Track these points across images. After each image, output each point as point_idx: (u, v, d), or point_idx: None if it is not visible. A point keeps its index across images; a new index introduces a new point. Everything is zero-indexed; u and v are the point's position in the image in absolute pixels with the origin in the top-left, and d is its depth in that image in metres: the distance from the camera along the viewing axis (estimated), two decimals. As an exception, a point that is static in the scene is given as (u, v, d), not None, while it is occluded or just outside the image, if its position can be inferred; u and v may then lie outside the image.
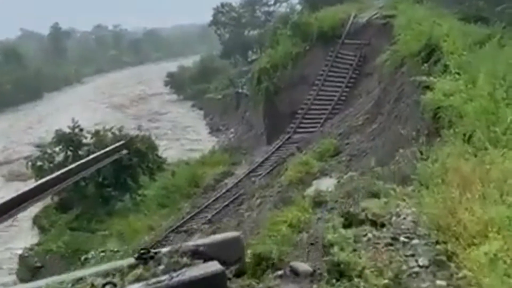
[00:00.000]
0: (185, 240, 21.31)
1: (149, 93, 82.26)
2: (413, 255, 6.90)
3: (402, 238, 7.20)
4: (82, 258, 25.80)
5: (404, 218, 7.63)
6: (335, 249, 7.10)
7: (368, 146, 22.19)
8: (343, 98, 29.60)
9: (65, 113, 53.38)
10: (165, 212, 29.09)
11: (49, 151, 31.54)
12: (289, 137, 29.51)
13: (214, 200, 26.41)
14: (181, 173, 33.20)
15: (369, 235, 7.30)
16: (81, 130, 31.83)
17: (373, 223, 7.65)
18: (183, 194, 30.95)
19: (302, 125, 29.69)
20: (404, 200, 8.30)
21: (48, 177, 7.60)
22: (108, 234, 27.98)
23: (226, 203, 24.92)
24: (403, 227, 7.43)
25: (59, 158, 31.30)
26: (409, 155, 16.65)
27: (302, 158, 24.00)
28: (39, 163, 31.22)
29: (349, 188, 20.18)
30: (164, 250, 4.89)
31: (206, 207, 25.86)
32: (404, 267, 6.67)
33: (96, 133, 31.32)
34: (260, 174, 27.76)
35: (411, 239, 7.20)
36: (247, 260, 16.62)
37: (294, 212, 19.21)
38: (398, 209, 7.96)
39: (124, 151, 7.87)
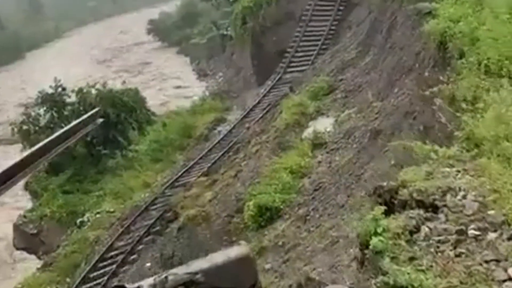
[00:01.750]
0: (183, 193, 20.49)
1: (132, 42, 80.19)
2: (497, 261, 4.74)
3: (471, 231, 5.04)
4: (78, 221, 25.10)
5: (464, 197, 5.39)
6: (386, 259, 4.87)
7: (364, 80, 21.12)
8: (332, 32, 28.35)
9: (48, 71, 51.78)
10: (159, 167, 28.20)
11: (33, 113, 30.35)
12: (280, 78, 28.38)
13: (208, 151, 25.48)
14: (172, 124, 32.14)
15: (425, 228, 5.07)
16: (64, 89, 30.59)
17: (421, 205, 5.40)
18: (176, 146, 30.01)
19: (292, 64, 28.52)
20: (451, 166, 5.98)
21: (24, 155, 6.81)
22: (102, 194, 27.15)
23: (221, 152, 24.00)
24: (465, 211, 5.22)
25: (45, 120, 30.17)
26: (410, 86, 15.71)
27: (295, 99, 23.00)
28: (24, 127, 30.10)
29: (348, 126, 19.33)
30: (146, 283, 3.41)
31: (201, 158, 24.94)
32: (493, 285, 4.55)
33: (80, 91, 30.07)
34: (253, 119, 26.76)
35: (485, 231, 5.04)
36: (250, 212, 15.90)
37: (293, 157, 18.38)
38: (451, 182, 5.61)
39: (99, 120, 6.80)
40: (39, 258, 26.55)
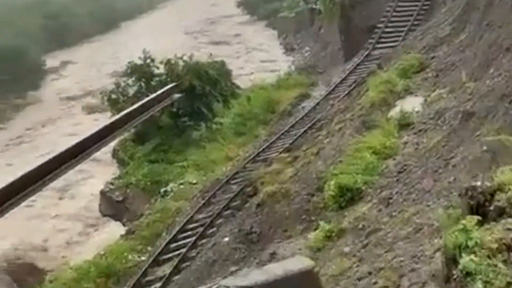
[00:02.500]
0: (264, 168, 20.32)
1: (222, 15, 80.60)
2: None
3: None
4: (162, 190, 25.48)
5: None
6: (477, 284, 4.17)
7: (457, 59, 20.11)
8: (425, 7, 27.23)
9: (139, 41, 52.74)
10: (241, 141, 28.17)
11: (122, 83, 30.97)
12: (368, 54, 27.58)
13: (291, 126, 25.18)
14: (257, 98, 31.98)
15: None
16: (152, 60, 31.01)
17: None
18: (259, 121, 29.86)
19: (381, 40, 27.65)
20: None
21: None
22: (185, 165, 27.44)
23: (304, 129, 23.65)
24: None
25: (133, 90, 30.74)
26: (507, 67, 14.78)
27: (383, 76, 22.25)
28: (113, 96, 30.78)
29: (438, 107, 18.49)
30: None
31: (283, 134, 24.69)
32: None
33: (167, 62, 30.41)
34: (338, 96, 26.20)
35: None
36: (330, 192, 15.51)
37: (378, 137, 17.76)
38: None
39: (176, 95, 6.71)
40: (123, 224, 27.24)
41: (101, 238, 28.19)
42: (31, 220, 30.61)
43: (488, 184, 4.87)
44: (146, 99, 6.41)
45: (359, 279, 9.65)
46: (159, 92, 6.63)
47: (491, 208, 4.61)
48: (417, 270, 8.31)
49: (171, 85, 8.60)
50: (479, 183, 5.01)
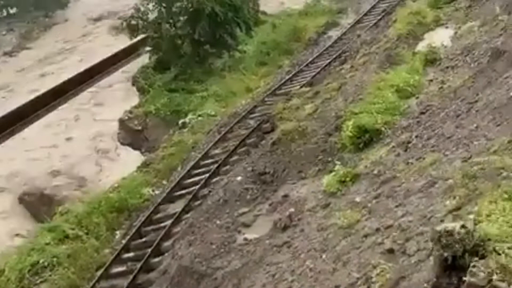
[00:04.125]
0: (283, 103, 19.55)
1: None
2: None
3: None
4: (180, 122, 24.98)
5: None
6: None
7: (492, -12, 18.80)
8: None
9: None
10: (264, 71, 27.28)
11: (142, 8, 29.97)
12: (400, -19, 26.06)
13: (315, 58, 24.19)
14: (282, 26, 30.78)
15: None
16: (174, -16, 29.83)
17: None
18: (283, 50, 28.83)
19: (414, -34, 26.01)
20: None
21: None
22: (205, 95, 26.76)
23: (328, 61, 22.66)
24: None
25: (153, 15, 29.77)
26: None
27: (413, 6, 21.03)
28: (133, 22, 29.87)
29: (467, 42, 17.36)
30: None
31: (306, 65, 23.74)
32: None
33: (188, -13, 29.14)
34: (366, 26, 25.00)
35: None
36: (348, 133, 14.78)
37: (402, 74, 16.79)
38: None
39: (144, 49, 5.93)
40: (142, 154, 26.96)
41: (118, 167, 28.10)
42: (48, 148, 30.65)
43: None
44: (116, 51, 5.65)
45: (365, 236, 9.03)
46: (132, 42, 5.85)
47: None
48: (425, 234, 7.64)
49: (141, 37, 7.75)
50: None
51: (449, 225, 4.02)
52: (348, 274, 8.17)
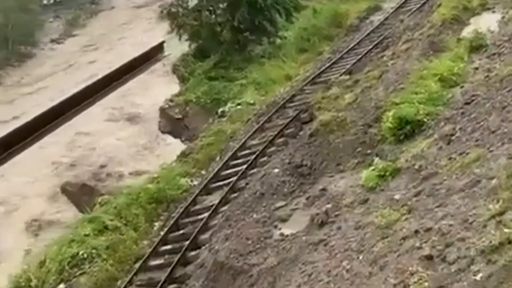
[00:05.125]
0: (322, 92, 19.15)
1: None
2: None
3: None
4: (219, 110, 24.81)
5: None
6: None
7: (543, -31, 17.98)
8: None
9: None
10: (303, 58, 26.83)
11: (182, -4, 29.79)
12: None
13: (356, 44, 23.63)
14: (323, 11, 30.18)
15: None
16: (214, -29, 29.54)
17: None
18: (324, 36, 28.28)
19: None
20: None
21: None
22: (245, 83, 26.49)
23: (369, 47, 22.08)
24: None
25: (193, 3, 29.59)
26: None
27: (458, -11, 20.27)
28: (173, 9, 29.76)
29: (517, 27, 16.59)
30: None
31: (347, 52, 23.22)
32: None
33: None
34: (409, 10, 24.27)
35: None
36: (388, 124, 14.33)
37: (445, 62, 16.17)
38: None
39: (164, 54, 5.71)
40: (182, 142, 26.92)
41: (159, 156, 28.19)
42: (89, 136, 30.91)
43: None
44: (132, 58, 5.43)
45: (404, 239, 8.65)
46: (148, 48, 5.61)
47: None
48: (466, 240, 7.23)
49: (160, 42, 7.58)
50: None
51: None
52: (384, 279, 7.83)
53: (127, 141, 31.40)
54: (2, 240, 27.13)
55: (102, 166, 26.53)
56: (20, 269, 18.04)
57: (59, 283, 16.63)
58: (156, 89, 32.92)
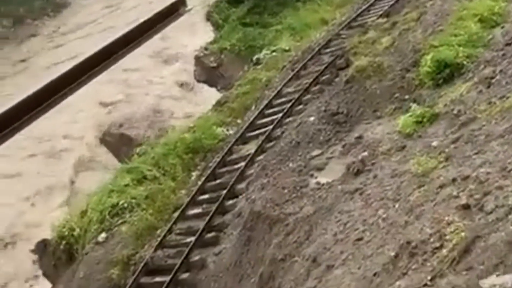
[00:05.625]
0: (358, 36, 18.72)
1: None
2: None
3: None
4: (254, 58, 24.57)
5: None
6: None
7: None
8: None
9: None
10: (339, 1, 26.12)
11: None
12: None
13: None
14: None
15: None
16: None
17: None
18: (360, -23, 27.44)
19: None
20: None
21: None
22: (280, 28, 26.08)
23: (406, -12, 21.35)
24: None
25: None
26: None
27: None
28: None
29: None
30: None
31: (384, -7, 22.53)
32: None
33: None
34: None
35: None
36: (427, 68, 14.00)
37: (486, 2, 15.60)
38: None
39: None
40: (218, 91, 26.84)
41: (195, 105, 28.17)
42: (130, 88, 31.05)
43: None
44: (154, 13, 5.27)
45: (441, 187, 8.49)
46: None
47: None
48: (504, 189, 7.05)
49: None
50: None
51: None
52: (420, 229, 7.71)
53: (162, 90, 31.49)
54: (48, 179, 27.77)
55: (138, 115, 26.67)
56: (63, 220, 18.45)
57: (101, 232, 16.97)
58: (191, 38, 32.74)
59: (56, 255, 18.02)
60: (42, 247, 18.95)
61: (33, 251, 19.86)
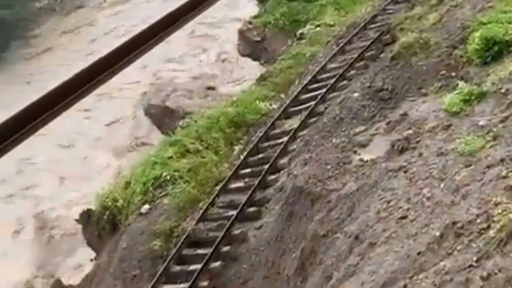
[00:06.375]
0: (405, 12, 18.41)
1: None
2: None
3: None
4: (298, 32, 24.37)
5: None
6: None
7: None
8: None
9: None
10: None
11: None
12: None
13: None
14: None
15: None
16: None
17: None
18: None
19: None
20: None
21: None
22: (324, 3, 25.74)
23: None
24: None
25: None
26: None
27: None
28: None
29: None
30: None
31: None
32: None
33: None
34: None
35: None
36: (474, 45, 13.72)
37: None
38: None
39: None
40: (261, 65, 26.77)
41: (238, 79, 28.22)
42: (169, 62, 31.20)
43: None
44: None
45: (488, 167, 8.37)
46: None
47: None
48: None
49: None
50: None
51: None
52: (467, 209, 7.64)
53: (212, 60, 31.60)
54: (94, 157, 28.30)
55: (182, 88, 26.78)
56: (107, 190, 18.75)
57: (144, 203, 17.20)
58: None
59: (100, 225, 18.36)
60: (86, 217, 19.32)
61: (77, 220, 20.26)
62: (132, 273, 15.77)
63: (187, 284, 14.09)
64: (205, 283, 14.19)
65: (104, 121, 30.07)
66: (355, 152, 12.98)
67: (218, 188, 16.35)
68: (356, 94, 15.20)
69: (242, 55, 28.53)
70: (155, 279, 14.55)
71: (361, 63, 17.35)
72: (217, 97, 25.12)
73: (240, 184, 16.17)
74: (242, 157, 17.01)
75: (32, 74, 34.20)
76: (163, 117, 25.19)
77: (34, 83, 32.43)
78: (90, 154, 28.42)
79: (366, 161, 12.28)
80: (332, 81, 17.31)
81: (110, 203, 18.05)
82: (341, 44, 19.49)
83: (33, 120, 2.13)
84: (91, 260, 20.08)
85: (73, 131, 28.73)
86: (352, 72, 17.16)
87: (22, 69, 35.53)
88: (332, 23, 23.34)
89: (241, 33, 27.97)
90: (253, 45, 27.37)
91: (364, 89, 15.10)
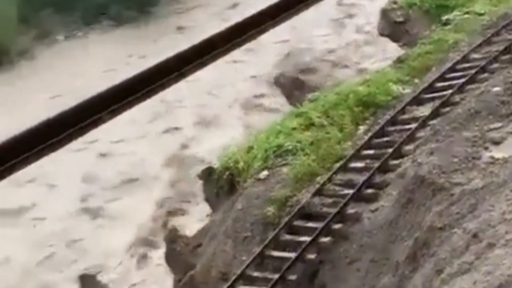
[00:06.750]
0: None
1: None
2: None
3: None
4: (444, 18, 23.47)
5: None
6: None
7: None
8: None
9: None
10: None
11: None
12: None
13: None
14: None
15: None
16: None
17: None
18: None
19: None
20: None
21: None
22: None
23: None
24: None
25: None
26: None
27: None
28: None
29: None
30: None
31: None
32: None
33: None
34: None
35: None
36: None
37: None
38: None
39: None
40: (400, 47, 26.09)
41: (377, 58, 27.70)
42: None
43: None
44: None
45: None
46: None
47: None
48: None
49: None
50: None
51: None
52: None
53: (348, 37, 31.27)
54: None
55: (316, 60, 26.70)
56: (230, 151, 19.16)
57: (263, 169, 17.43)
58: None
59: (219, 184, 18.83)
60: (207, 174, 19.88)
61: (199, 176, 20.88)
62: (243, 234, 16.11)
63: (294, 254, 14.22)
64: (312, 256, 14.26)
65: (248, 74, 30.48)
66: (486, 148, 12.43)
67: (338, 165, 16.25)
68: (496, 89, 14.48)
69: (382, 35, 27.93)
70: (264, 244, 14.80)
71: (507, 56, 16.49)
72: (349, 74, 24.83)
73: (360, 164, 15.99)
74: (366, 137, 16.77)
75: (183, 27, 35.33)
76: (292, 88, 25.28)
77: (186, 32, 33.63)
78: (227, 104, 29.09)
79: (497, 159, 11.74)
80: (472, 71, 16.59)
81: (231, 164, 18.42)
82: (488, 35, 18.59)
83: (182, 67, 2.21)
84: (207, 215, 20.71)
85: (219, 82, 29.51)
86: (496, 65, 16.35)
87: (174, 22, 36.81)
88: (482, 11, 22.25)
89: (384, 12, 27.31)
90: (394, 26, 26.65)
91: (507, 84, 14.37)
